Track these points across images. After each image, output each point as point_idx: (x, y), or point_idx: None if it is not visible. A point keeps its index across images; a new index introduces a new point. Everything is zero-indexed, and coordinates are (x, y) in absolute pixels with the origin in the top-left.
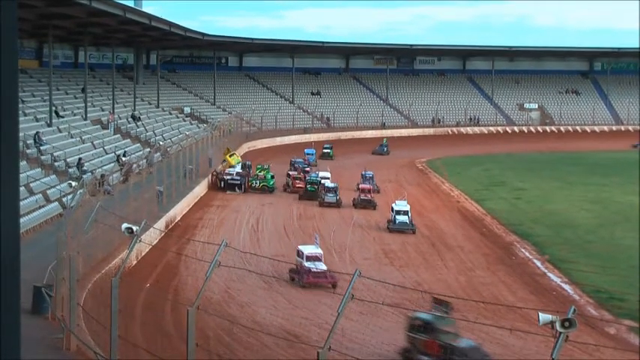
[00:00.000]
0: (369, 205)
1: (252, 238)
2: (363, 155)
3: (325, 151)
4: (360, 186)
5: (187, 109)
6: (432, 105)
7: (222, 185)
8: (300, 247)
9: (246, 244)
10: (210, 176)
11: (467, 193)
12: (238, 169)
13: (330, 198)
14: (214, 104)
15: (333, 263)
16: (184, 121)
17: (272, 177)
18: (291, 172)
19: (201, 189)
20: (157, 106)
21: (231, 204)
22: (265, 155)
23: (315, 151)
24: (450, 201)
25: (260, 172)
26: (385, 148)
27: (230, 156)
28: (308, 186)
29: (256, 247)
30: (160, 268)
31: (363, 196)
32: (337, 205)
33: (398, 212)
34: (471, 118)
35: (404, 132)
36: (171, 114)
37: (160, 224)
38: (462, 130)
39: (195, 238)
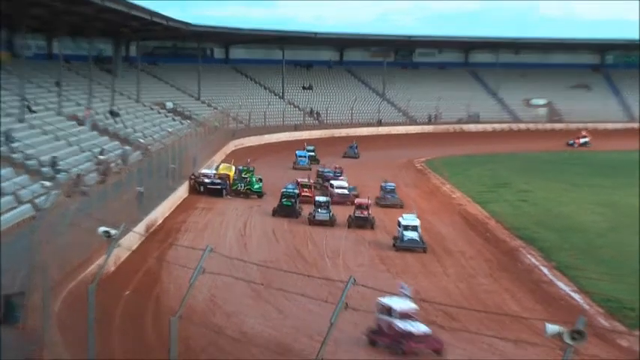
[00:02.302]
0: (365, 223)
1: (239, 243)
2: (361, 155)
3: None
4: (356, 200)
5: (170, 105)
6: (432, 100)
7: (202, 190)
8: (384, 301)
9: (232, 250)
10: (190, 179)
11: (469, 195)
12: (234, 169)
13: (321, 215)
14: (199, 99)
15: (325, 269)
16: (166, 117)
17: (259, 180)
18: (300, 180)
19: (184, 190)
20: (137, 101)
21: (217, 206)
22: (253, 154)
23: (307, 154)
24: (450, 203)
25: (245, 174)
26: (356, 150)
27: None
28: (283, 200)
29: (244, 253)
30: (140, 275)
31: (357, 213)
32: (330, 223)
33: (406, 228)
34: (471, 115)
35: (401, 129)
36: (152, 109)
37: (140, 228)
38: (464, 127)
39: (178, 242)
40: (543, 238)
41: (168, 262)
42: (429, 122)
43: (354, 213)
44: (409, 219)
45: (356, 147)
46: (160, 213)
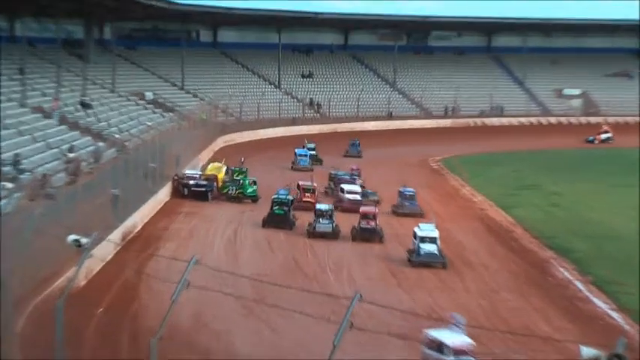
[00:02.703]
0: (372, 236)
1: (228, 254)
2: (369, 153)
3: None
4: (361, 209)
5: (150, 95)
6: (450, 91)
7: (186, 192)
8: (434, 334)
9: (221, 261)
10: (173, 180)
11: (491, 198)
12: (224, 170)
13: (322, 226)
14: (183, 89)
15: (327, 284)
16: (146, 109)
17: (253, 183)
18: (300, 183)
19: (166, 193)
20: (112, 91)
21: (203, 211)
22: (246, 152)
23: (308, 152)
24: (470, 208)
25: (237, 175)
26: (359, 148)
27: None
28: (274, 208)
29: (234, 265)
30: (115, 290)
31: (363, 224)
32: (333, 235)
33: (423, 239)
34: (494, 107)
35: (415, 123)
36: (129, 100)
37: (116, 235)
38: (486, 121)
39: (159, 252)
40: (577, 248)
41: (147, 275)
42: (446, 115)
43: (359, 223)
44: (427, 229)
45: (358, 144)
46: (138, 219)
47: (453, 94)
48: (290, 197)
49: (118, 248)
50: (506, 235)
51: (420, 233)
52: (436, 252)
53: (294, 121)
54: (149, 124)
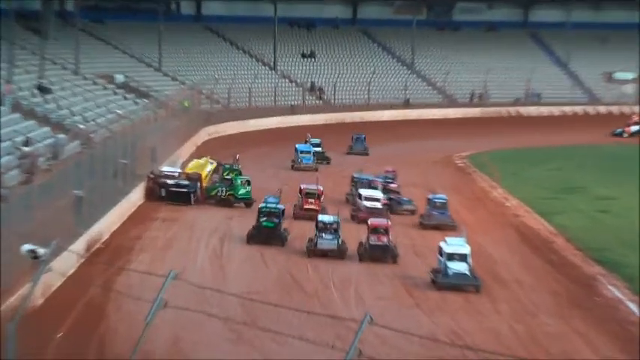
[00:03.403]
0: (383, 254)
1: (213, 267)
2: (382, 149)
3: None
4: (370, 222)
5: (120, 78)
6: (478, 74)
7: (164, 194)
8: None
9: (205, 276)
10: (147, 178)
11: (528, 202)
12: (209, 168)
13: (325, 242)
14: (160, 70)
15: (331, 304)
16: (115, 94)
17: (246, 183)
18: (303, 186)
19: (139, 194)
20: (76, 73)
21: (184, 217)
22: (235, 146)
23: (312, 148)
24: (503, 214)
25: (227, 174)
26: (365, 144)
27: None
28: (262, 219)
29: (220, 280)
30: (78, 310)
31: (373, 240)
32: (338, 254)
33: (451, 257)
34: (531, 94)
35: (437, 113)
36: (96, 84)
37: (79, 245)
38: (522, 110)
39: (131, 265)
40: (630, 263)
41: (116, 293)
42: (474, 103)
43: (368, 239)
44: (455, 244)
45: (364, 139)
46: (105, 226)
47: (482, 79)
48: (281, 206)
49: (82, 260)
50: (544, 246)
51: (447, 249)
52: (467, 272)
53: (292, 110)
54: (119, 112)
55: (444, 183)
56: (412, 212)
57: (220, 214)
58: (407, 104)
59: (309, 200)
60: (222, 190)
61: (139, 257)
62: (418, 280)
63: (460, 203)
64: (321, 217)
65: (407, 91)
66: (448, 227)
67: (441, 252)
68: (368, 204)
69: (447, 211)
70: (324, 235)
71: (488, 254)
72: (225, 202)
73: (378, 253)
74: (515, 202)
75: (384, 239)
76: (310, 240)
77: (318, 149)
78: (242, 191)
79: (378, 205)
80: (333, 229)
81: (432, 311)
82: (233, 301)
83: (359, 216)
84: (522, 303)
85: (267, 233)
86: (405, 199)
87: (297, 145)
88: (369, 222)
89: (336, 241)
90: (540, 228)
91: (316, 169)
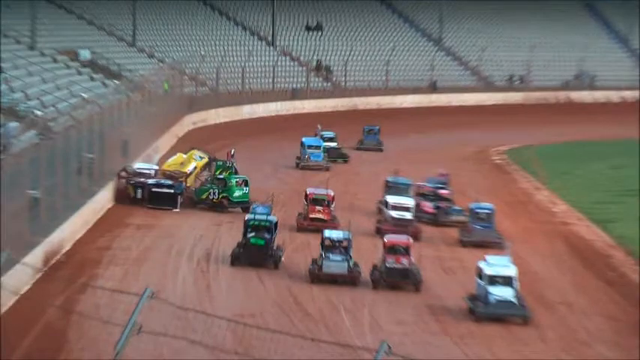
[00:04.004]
0: (404, 279)
1: (198, 285)
2: (403, 142)
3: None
4: (386, 239)
5: (86, 54)
6: (520, 52)
7: (141, 196)
8: None
9: (187, 295)
10: (117, 177)
11: (580, 207)
12: (192, 166)
13: (334, 265)
14: (133, 45)
15: (340, 329)
16: (80, 74)
17: (243, 184)
18: (309, 191)
19: (108, 196)
20: (32, 48)
21: (162, 223)
22: (224, 137)
23: (322, 143)
24: (549, 222)
25: (220, 172)
26: (378, 137)
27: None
28: (250, 235)
29: (206, 300)
30: (33, 335)
31: (390, 262)
32: (349, 278)
33: (493, 280)
34: (584, 76)
35: (470, 98)
36: (56, 61)
37: (35, 257)
38: (573, 95)
39: (98, 282)
40: None
41: (80, 315)
42: (514, 87)
43: (384, 260)
44: (498, 265)
45: (378, 131)
46: (67, 233)
47: (524, 57)
48: (273, 218)
49: (39, 276)
50: (600, 261)
51: (488, 271)
52: (513, 299)
53: (294, 95)
54: (84, 95)
55: (477, 184)
56: (463, 224)
57: (206, 219)
58: (433, 88)
59: (317, 208)
60: (214, 192)
61: (107, 272)
62: (446, 301)
63: (497, 208)
64: (327, 233)
65: (433, 73)
66: (495, 245)
67: (480, 274)
68: (395, 214)
69: (492, 225)
70: (331, 255)
71: (532, 271)
72: (218, 207)
73: (396, 278)
74: (564, 208)
75: (404, 261)
76: (314, 261)
77: (333, 144)
78: (237, 193)
79: (408, 215)
80: (342, 247)
81: (463, 339)
82: (222, 325)
83: (383, 228)
84: (573, 330)
85: (256, 252)
86: (456, 208)
87: (303, 139)
88: (385, 239)
89: (347, 264)
90: (595, 239)
91: (327, 169)
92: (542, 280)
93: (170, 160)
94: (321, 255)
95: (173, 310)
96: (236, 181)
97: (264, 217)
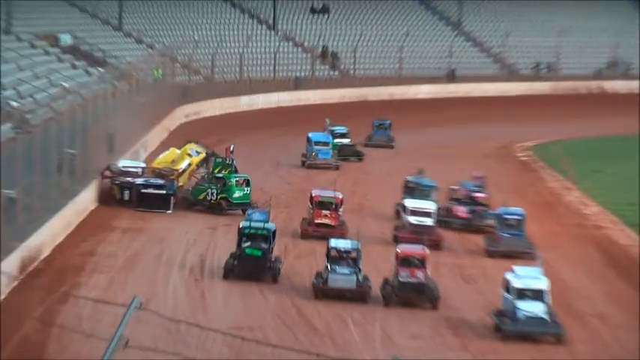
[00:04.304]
0: (419, 296)
1: (191, 295)
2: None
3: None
4: (399, 249)
5: (67, 39)
6: (547, 37)
7: (128, 197)
8: None
9: (179, 306)
10: (101, 177)
11: (613, 210)
12: (186, 163)
13: (341, 278)
14: (120, 29)
15: (349, 344)
16: (61, 61)
17: (244, 183)
18: (315, 193)
19: (91, 196)
20: (7, 32)
21: (152, 226)
22: (219, 132)
23: (331, 139)
24: (580, 226)
25: (218, 170)
26: (389, 133)
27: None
28: (245, 244)
29: (199, 312)
30: (9, 349)
31: (403, 276)
32: (359, 295)
33: (522, 294)
34: (618, 63)
35: (492, 88)
36: (34, 47)
37: (11, 264)
38: (606, 85)
39: (80, 291)
40: None
41: (60, 327)
42: (541, 76)
43: (397, 274)
44: (528, 276)
45: (389, 126)
46: (46, 237)
47: (552, 43)
48: (271, 225)
49: (15, 284)
50: (636, 269)
51: (516, 283)
52: (544, 315)
53: (297, 84)
54: (65, 85)
55: (501, 183)
56: (490, 230)
57: (201, 222)
58: (452, 77)
59: (323, 212)
60: (212, 193)
61: (91, 280)
62: (465, 313)
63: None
64: (334, 242)
65: (452, 60)
66: (525, 255)
67: (507, 287)
68: (414, 219)
69: (523, 233)
70: (337, 267)
71: (561, 279)
72: (216, 209)
73: (410, 294)
74: (596, 210)
75: (419, 274)
76: (319, 274)
77: (345, 141)
78: (238, 194)
79: (429, 221)
80: (350, 258)
81: (485, 355)
82: (217, 339)
83: (400, 236)
84: (606, 345)
85: (252, 264)
86: (489, 211)
87: (310, 134)
88: (397, 249)
89: (355, 277)
90: (630, 244)
91: (337, 168)
92: (572, 289)
93: (161, 157)
94: (327, 267)
95: (163, 322)
96: (236, 181)
97: (260, 225)
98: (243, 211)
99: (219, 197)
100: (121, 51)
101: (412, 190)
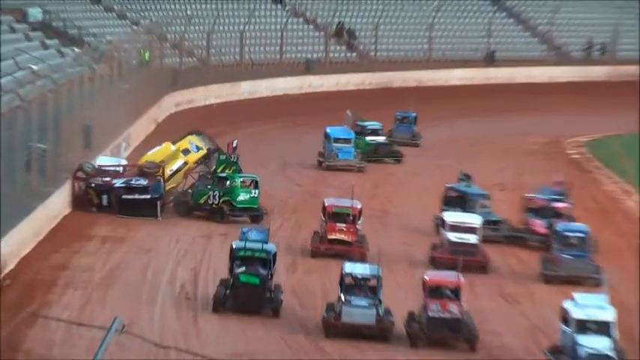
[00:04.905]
0: (452, 334)
1: (182, 315)
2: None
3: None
4: (427, 277)
5: (36, 14)
6: (604, 14)
7: (107, 202)
8: None
9: (168, 329)
10: (73, 179)
11: None
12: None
13: (357, 312)
14: (99, 2)
15: None
16: (29, 39)
17: (252, 185)
18: (328, 202)
19: (63, 199)
20: None
21: (135, 234)
22: (216, 124)
23: (353, 135)
24: None
25: (221, 170)
26: (414, 128)
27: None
28: (239, 270)
29: (191, 336)
30: None
31: (434, 309)
32: (378, 331)
33: (583, 327)
34: None
35: (538, 73)
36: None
37: None
38: None
39: (51, 311)
40: None
41: (27, 354)
42: (595, 59)
43: (425, 308)
44: (591, 306)
45: (414, 120)
46: (12, 247)
47: (609, 20)
48: (271, 247)
49: None
50: None
51: (576, 314)
52: (610, 352)
53: (308, 67)
54: (34, 67)
55: (549, 184)
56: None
57: (193, 230)
58: (491, 60)
59: (338, 226)
60: (214, 196)
61: (64, 298)
62: (505, 339)
63: (576, 214)
64: (349, 267)
65: (491, 40)
66: (589, 281)
67: (566, 318)
68: (454, 236)
69: (587, 253)
70: (353, 298)
71: (619, 300)
72: (218, 214)
73: (443, 332)
74: None
75: (453, 308)
76: (330, 307)
77: (380, 139)
78: (243, 197)
79: (472, 238)
80: (369, 287)
81: None
82: None
83: (437, 256)
84: None
85: (247, 295)
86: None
87: (328, 129)
88: (425, 277)
89: (375, 310)
90: None
91: (361, 169)
92: (634, 313)
93: (151, 153)
94: (340, 298)
95: (149, 347)
96: (242, 181)
97: (258, 246)
98: (252, 218)
99: (221, 201)
100: (100, 28)
101: (456, 200)
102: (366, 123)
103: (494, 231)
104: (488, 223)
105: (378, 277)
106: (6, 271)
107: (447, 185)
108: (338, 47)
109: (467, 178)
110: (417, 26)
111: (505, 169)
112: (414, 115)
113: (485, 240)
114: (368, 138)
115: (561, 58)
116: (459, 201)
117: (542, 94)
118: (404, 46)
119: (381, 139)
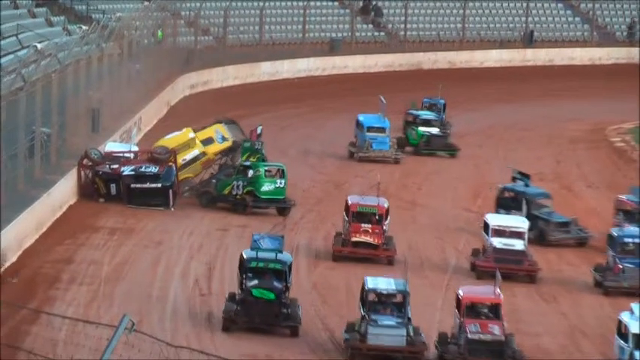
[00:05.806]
0: (495, 356)
1: (196, 312)
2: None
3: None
4: (462, 293)
5: None
6: None
7: (116, 192)
8: None
9: (181, 327)
10: (79, 167)
11: None
12: (194, 153)
13: (384, 333)
14: None
15: None
16: (33, 16)
17: (278, 173)
18: (351, 200)
19: (69, 188)
20: None
21: (145, 226)
22: (233, 107)
23: (387, 124)
24: None
25: (245, 158)
26: (443, 116)
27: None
28: (251, 284)
29: (204, 335)
30: None
31: (472, 330)
32: (411, 354)
33: None
34: None
35: (580, 55)
36: None
37: None
38: None
39: (55, 307)
40: None
41: (29, 354)
42: (638, 40)
43: (462, 327)
44: None
45: (443, 107)
46: (13, 239)
47: None
48: (287, 256)
49: None
50: None
51: (635, 328)
52: None
53: (333, 47)
54: (38, 46)
55: (591, 176)
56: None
57: (207, 222)
58: (529, 41)
59: (362, 227)
60: (238, 186)
61: (68, 294)
62: (543, 339)
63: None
64: (372, 282)
65: (529, 20)
66: None
67: (621, 331)
68: (498, 242)
69: None
70: (378, 317)
71: None
72: (240, 205)
73: (483, 355)
74: None
75: (494, 328)
76: (351, 327)
77: (434, 130)
78: (268, 187)
79: (519, 244)
80: (395, 304)
81: None
82: None
83: (479, 264)
84: None
85: (261, 311)
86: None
87: (360, 117)
88: (460, 293)
89: (404, 331)
90: None
91: (397, 161)
92: None
93: (167, 138)
94: (364, 317)
95: (160, 347)
96: (266, 170)
97: (272, 256)
98: (279, 210)
99: (245, 191)
100: (108, 4)
101: (511, 201)
102: (419, 112)
103: (565, 233)
104: (556, 225)
105: (404, 293)
106: (7, 265)
107: (501, 185)
108: (365, 26)
109: (523, 176)
110: (449, 3)
111: (544, 158)
112: (442, 101)
113: (555, 244)
114: (421, 129)
115: (604, 38)
116: (515, 202)
117: (583, 77)
118: (435, 25)
119: (435, 130)
